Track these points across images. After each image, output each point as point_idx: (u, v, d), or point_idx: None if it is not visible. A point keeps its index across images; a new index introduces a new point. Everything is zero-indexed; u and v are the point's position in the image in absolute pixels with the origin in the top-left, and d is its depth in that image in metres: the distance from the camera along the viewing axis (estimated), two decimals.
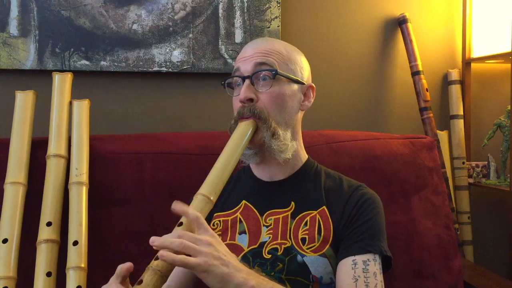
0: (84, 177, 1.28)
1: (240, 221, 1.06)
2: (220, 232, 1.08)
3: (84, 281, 1.17)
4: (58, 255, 1.20)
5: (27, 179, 1.26)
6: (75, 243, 1.19)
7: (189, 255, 0.80)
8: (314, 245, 1.01)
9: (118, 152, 1.38)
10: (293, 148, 1.05)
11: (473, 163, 1.98)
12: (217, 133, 1.52)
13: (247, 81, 1.03)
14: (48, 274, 1.16)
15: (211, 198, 0.92)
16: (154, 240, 0.82)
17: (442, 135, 1.93)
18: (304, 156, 1.13)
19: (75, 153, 1.30)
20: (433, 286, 1.46)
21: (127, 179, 1.35)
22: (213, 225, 1.09)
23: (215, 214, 1.10)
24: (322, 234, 1.01)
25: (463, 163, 1.95)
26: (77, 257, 1.18)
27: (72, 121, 1.35)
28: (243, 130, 1.01)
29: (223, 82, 1.11)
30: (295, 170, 1.10)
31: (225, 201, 1.11)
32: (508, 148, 1.83)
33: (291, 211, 1.04)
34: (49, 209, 1.22)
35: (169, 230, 1.21)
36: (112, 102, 1.72)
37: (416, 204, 1.50)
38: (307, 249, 1.01)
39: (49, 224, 1.20)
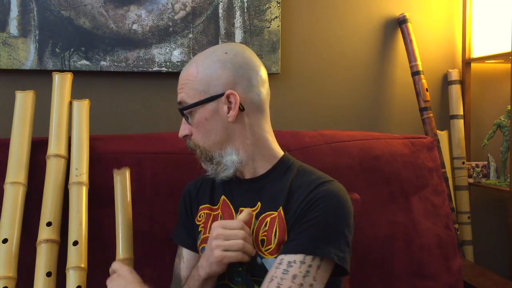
0: (84, 177, 1.28)
1: (221, 217, 1.08)
2: (203, 224, 1.10)
3: (84, 281, 1.17)
4: (58, 255, 1.20)
5: (27, 179, 1.26)
6: (75, 243, 1.19)
7: None
8: (271, 247, 1.00)
9: (118, 152, 1.38)
10: (234, 162, 1.04)
11: (473, 163, 1.98)
12: None
13: (183, 120, 1.07)
14: (48, 274, 1.16)
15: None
16: None
17: (442, 135, 1.94)
18: (274, 157, 1.08)
19: (75, 153, 1.30)
20: (433, 286, 1.46)
21: None
22: (199, 216, 1.12)
23: (201, 207, 1.12)
24: (277, 235, 0.99)
25: (463, 163, 1.95)
26: (77, 257, 1.18)
27: (72, 121, 1.35)
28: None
29: None
30: (261, 172, 1.07)
31: (210, 194, 1.12)
32: (508, 148, 1.83)
33: (256, 211, 1.03)
34: (49, 209, 1.22)
35: (169, 230, 1.22)
36: (112, 102, 1.72)
37: (416, 204, 1.50)
38: (265, 251, 1.00)
39: (49, 224, 1.20)
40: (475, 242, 1.96)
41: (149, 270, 1.31)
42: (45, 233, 1.20)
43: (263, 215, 1.02)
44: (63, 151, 1.30)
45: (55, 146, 1.30)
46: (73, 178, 1.27)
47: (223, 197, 1.09)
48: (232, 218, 1.06)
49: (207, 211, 1.11)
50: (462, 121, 1.96)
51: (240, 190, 1.08)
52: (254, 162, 1.06)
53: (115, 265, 1.08)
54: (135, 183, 1.36)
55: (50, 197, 1.24)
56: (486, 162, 1.96)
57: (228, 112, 1.02)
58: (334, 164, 1.45)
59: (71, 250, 1.19)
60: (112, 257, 1.25)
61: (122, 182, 1.27)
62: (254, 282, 1.01)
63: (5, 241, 1.17)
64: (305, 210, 0.97)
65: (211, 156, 1.04)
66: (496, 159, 1.94)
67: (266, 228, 1.01)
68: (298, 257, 0.94)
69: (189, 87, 1.04)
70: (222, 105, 1.02)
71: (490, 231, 2.01)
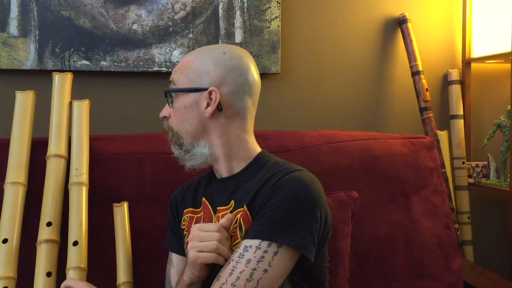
0: (84, 178, 1.28)
1: (203, 219, 1.09)
2: (186, 228, 1.11)
3: (84, 281, 1.17)
4: (58, 255, 1.20)
5: (27, 179, 1.26)
6: (75, 243, 1.19)
7: None
8: (238, 242, 0.99)
9: (118, 152, 1.38)
10: (204, 154, 1.05)
11: (473, 163, 1.98)
12: None
13: (168, 100, 1.10)
14: (48, 274, 1.16)
15: None
16: None
17: (442, 135, 1.93)
18: (249, 156, 1.08)
19: (75, 153, 1.30)
20: (433, 286, 1.46)
21: (127, 179, 1.35)
22: (183, 220, 1.13)
23: (185, 210, 1.13)
24: (243, 230, 0.99)
25: (463, 163, 1.95)
26: (77, 257, 1.19)
27: (72, 121, 1.35)
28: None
29: None
30: (236, 170, 1.07)
31: (193, 197, 1.14)
32: (508, 148, 1.83)
33: (230, 209, 1.04)
34: (49, 209, 1.22)
35: None
36: (112, 102, 1.72)
37: (416, 204, 1.50)
38: (233, 246, 1.00)
39: (49, 224, 1.20)
40: (475, 242, 1.96)
41: (149, 270, 1.31)
42: (45, 233, 1.20)
43: (235, 211, 1.02)
44: (63, 151, 1.30)
45: (55, 146, 1.30)
46: (73, 178, 1.27)
47: (203, 199, 1.10)
48: (211, 219, 1.06)
49: (190, 214, 1.12)
50: (462, 121, 1.96)
51: (217, 190, 1.09)
52: (230, 161, 1.07)
53: (71, 282, 1.06)
54: (135, 183, 1.36)
55: (50, 197, 1.24)
56: (486, 162, 1.96)
57: (206, 108, 1.04)
58: (334, 164, 1.45)
59: (71, 250, 1.19)
60: (112, 257, 1.25)
61: (121, 214, 1.28)
62: None
63: (5, 241, 1.17)
64: (268, 197, 0.98)
65: (181, 142, 1.07)
66: (496, 159, 1.94)
67: (236, 224, 1.01)
68: (254, 242, 0.94)
69: (181, 72, 1.07)
70: (203, 99, 1.04)
71: (490, 231, 2.01)
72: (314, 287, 1.06)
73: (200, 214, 1.10)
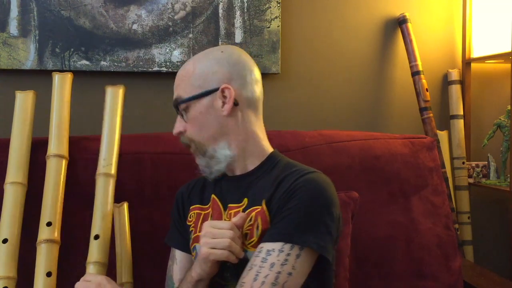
0: (112, 169, 1.27)
1: (211, 216, 1.09)
2: (193, 224, 1.11)
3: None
4: (58, 255, 1.20)
5: (27, 179, 1.26)
6: (96, 237, 1.19)
7: None
8: (253, 240, 1.00)
9: (118, 152, 1.38)
10: (226, 157, 1.06)
11: (473, 163, 1.98)
12: None
13: (178, 116, 1.10)
14: (48, 274, 1.16)
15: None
16: None
17: (442, 135, 1.93)
18: (262, 154, 1.09)
19: (105, 144, 1.30)
20: (433, 286, 1.46)
21: (127, 179, 1.35)
22: (190, 217, 1.13)
23: (191, 207, 1.13)
24: (260, 228, 1.00)
25: (463, 163, 1.95)
26: (97, 251, 1.18)
27: (105, 108, 1.35)
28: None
29: None
30: (250, 168, 1.08)
31: (200, 194, 1.14)
32: (508, 148, 1.83)
33: (243, 206, 1.04)
34: (49, 209, 1.22)
35: (168, 230, 1.22)
36: None
37: (416, 204, 1.50)
38: (248, 244, 1.00)
39: (49, 224, 1.20)
40: (475, 242, 1.96)
41: (149, 270, 1.31)
42: (45, 233, 1.20)
43: (250, 209, 1.03)
44: (63, 151, 1.30)
45: (55, 146, 1.30)
46: (100, 169, 1.26)
47: (213, 196, 1.10)
48: (221, 216, 1.07)
49: (198, 211, 1.12)
50: (462, 121, 1.96)
51: (229, 188, 1.09)
52: (245, 159, 1.08)
53: (89, 277, 1.06)
54: (135, 183, 1.36)
55: (50, 197, 1.24)
56: (486, 162, 1.96)
57: (223, 106, 1.04)
58: (334, 164, 1.45)
59: (92, 244, 1.19)
60: (112, 257, 1.25)
61: (121, 214, 1.28)
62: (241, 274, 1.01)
63: (5, 241, 1.17)
64: (286, 199, 0.98)
65: (205, 150, 1.06)
66: (496, 159, 1.94)
67: (251, 222, 1.01)
68: (277, 246, 0.94)
69: (185, 83, 1.07)
70: (217, 99, 1.04)
71: (490, 231, 2.01)
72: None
73: (208, 211, 1.10)
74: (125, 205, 1.29)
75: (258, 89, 1.09)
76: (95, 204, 1.24)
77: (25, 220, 1.22)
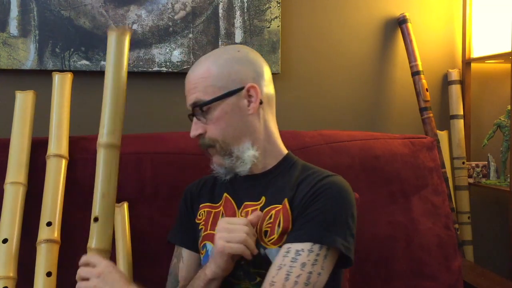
0: (115, 139, 1.22)
1: (222, 214, 1.09)
2: (203, 222, 1.11)
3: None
4: (58, 255, 1.20)
5: (27, 179, 1.26)
6: (95, 219, 1.17)
7: None
8: (273, 237, 1.01)
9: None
10: (251, 157, 1.06)
11: (473, 163, 1.98)
12: None
13: (194, 119, 1.08)
14: (48, 274, 1.16)
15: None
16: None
17: (442, 135, 1.94)
18: (280, 153, 1.11)
19: (106, 112, 1.23)
20: (433, 286, 1.46)
21: (127, 179, 1.35)
22: (199, 215, 1.13)
23: (201, 205, 1.13)
24: (281, 226, 1.01)
25: (463, 163, 1.95)
26: (97, 235, 1.18)
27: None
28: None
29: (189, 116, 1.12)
30: (268, 167, 1.10)
31: (210, 193, 1.14)
32: (508, 148, 1.83)
33: (261, 205, 1.05)
34: (49, 209, 1.22)
35: (169, 230, 1.22)
36: None
37: (416, 204, 1.50)
38: (268, 241, 1.01)
39: (49, 224, 1.20)
40: (475, 242, 1.96)
41: (148, 270, 1.31)
42: (45, 233, 1.20)
43: (268, 208, 1.04)
44: (63, 151, 1.30)
45: (55, 146, 1.30)
46: (101, 138, 1.21)
47: (225, 194, 1.10)
48: (234, 214, 1.07)
49: (208, 209, 1.12)
50: (462, 121, 1.96)
51: (244, 186, 1.09)
52: (265, 158, 1.09)
53: (92, 259, 1.02)
54: (135, 183, 1.36)
55: (50, 197, 1.24)
56: (486, 162, 1.96)
57: (249, 105, 1.05)
58: (334, 164, 1.45)
59: (92, 227, 1.18)
60: (112, 257, 1.25)
61: (121, 214, 1.28)
62: (255, 274, 1.02)
63: (5, 241, 1.17)
64: (311, 200, 0.99)
65: (230, 150, 1.06)
66: (496, 159, 1.94)
67: (271, 220, 1.02)
68: (306, 246, 0.95)
69: (205, 85, 1.05)
70: (242, 99, 1.05)
71: (490, 231, 2.01)
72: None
73: (219, 209, 1.10)
74: (125, 205, 1.29)
75: (271, 85, 1.11)
76: (96, 182, 1.21)
77: (25, 220, 1.22)
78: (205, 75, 1.05)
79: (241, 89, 1.04)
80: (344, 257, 0.99)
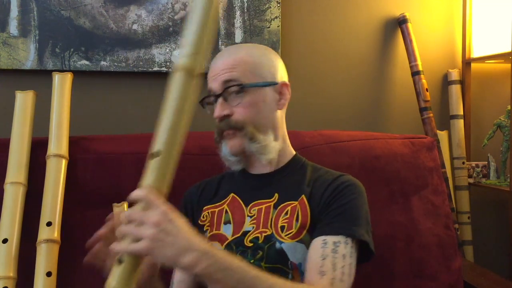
0: (195, 63, 1.02)
1: (226, 212, 1.09)
2: (208, 224, 1.11)
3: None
4: (58, 255, 1.20)
5: (27, 179, 1.26)
6: (157, 154, 0.95)
7: None
8: (292, 232, 1.02)
9: (118, 152, 1.38)
10: (276, 147, 1.09)
11: (473, 163, 1.98)
12: None
13: (220, 99, 1.06)
14: (48, 274, 1.16)
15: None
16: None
17: (442, 135, 1.93)
18: (290, 152, 1.16)
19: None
20: (433, 286, 1.46)
21: (127, 179, 1.35)
22: (203, 217, 1.12)
23: (205, 207, 1.13)
24: (300, 220, 1.03)
25: (463, 163, 1.95)
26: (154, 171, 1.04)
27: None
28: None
29: (200, 102, 1.12)
30: (280, 165, 1.13)
31: (214, 194, 1.15)
32: (508, 148, 1.83)
33: (274, 201, 1.07)
34: (49, 209, 1.22)
35: None
36: (112, 102, 1.72)
37: (416, 204, 1.50)
38: (285, 236, 1.02)
39: (49, 224, 1.20)
40: (475, 242, 1.96)
41: None
42: (45, 233, 1.20)
43: (283, 204, 1.06)
44: (63, 151, 1.30)
45: (55, 146, 1.30)
46: (180, 59, 1.00)
47: (232, 194, 1.11)
48: (242, 212, 1.08)
49: (211, 210, 1.12)
50: (462, 121, 1.96)
51: (254, 185, 1.11)
52: (279, 155, 1.11)
53: (149, 196, 0.84)
54: (135, 183, 1.35)
55: (50, 197, 1.24)
56: (486, 162, 1.96)
57: (279, 101, 1.10)
58: (334, 164, 1.45)
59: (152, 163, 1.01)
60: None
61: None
62: (267, 270, 1.00)
63: (5, 241, 1.17)
64: (334, 196, 1.03)
65: (257, 138, 1.06)
66: (496, 159, 1.94)
67: (287, 216, 1.04)
68: (341, 238, 0.98)
69: (243, 68, 1.06)
70: (274, 93, 1.09)
71: (490, 231, 2.01)
72: None
73: (223, 207, 1.11)
74: (125, 205, 1.29)
75: None
76: None
77: (25, 220, 1.22)
78: (245, 59, 1.07)
79: (276, 83, 1.09)
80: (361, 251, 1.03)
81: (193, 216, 1.15)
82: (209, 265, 0.79)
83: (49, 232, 1.20)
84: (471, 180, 1.96)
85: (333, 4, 1.88)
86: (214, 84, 1.07)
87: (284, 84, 1.11)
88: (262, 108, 1.07)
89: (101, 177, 1.34)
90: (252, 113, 1.06)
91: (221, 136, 1.08)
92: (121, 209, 1.28)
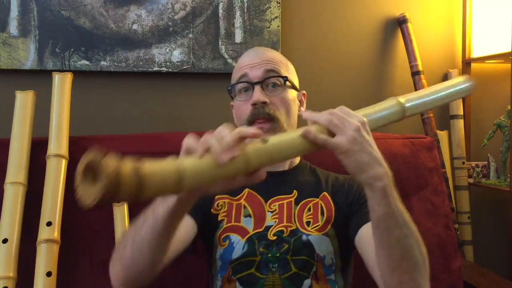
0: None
1: (245, 206, 1.10)
2: (224, 213, 1.10)
3: None
4: (58, 255, 1.20)
5: (27, 179, 1.26)
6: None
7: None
8: (318, 225, 1.06)
9: (118, 152, 1.37)
10: None
11: (473, 163, 1.98)
12: None
13: (258, 86, 1.08)
14: (48, 274, 1.16)
15: None
16: (304, 113, 0.89)
17: (442, 135, 1.93)
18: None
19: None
20: (433, 286, 1.44)
21: None
22: (217, 205, 1.11)
23: (217, 196, 1.12)
24: (325, 215, 1.07)
25: (463, 163, 1.95)
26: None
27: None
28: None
29: (229, 87, 1.14)
30: (293, 165, 1.17)
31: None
32: (508, 148, 1.83)
33: (294, 197, 1.10)
34: (49, 209, 1.22)
35: None
36: (112, 102, 1.72)
37: (416, 204, 1.50)
38: (311, 229, 1.06)
39: (49, 224, 1.20)
40: (475, 242, 1.96)
41: None
42: (45, 233, 1.20)
43: (304, 200, 1.10)
44: (63, 151, 1.30)
45: (55, 146, 1.30)
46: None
47: (247, 189, 1.12)
48: (262, 207, 1.09)
49: (228, 200, 1.11)
50: (462, 121, 1.96)
51: (271, 182, 1.07)
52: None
53: (347, 109, 0.90)
54: None
55: (50, 197, 1.24)
56: (486, 162, 1.96)
57: (299, 107, 1.16)
58: (334, 164, 1.44)
59: None
60: None
61: (121, 214, 1.28)
62: (292, 262, 1.03)
63: (5, 241, 1.17)
64: (359, 192, 1.07)
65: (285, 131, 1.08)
66: (496, 159, 1.94)
67: (311, 212, 1.08)
68: None
69: (284, 65, 1.14)
70: (297, 99, 1.16)
71: (490, 231, 2.01)
72: (348, 282, 1.14)
73: (240, 202, 1.11)
74: (125, 205, 1.29)
75: None
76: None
77: (25, 220, 1.22)
78: (282, 59, 1.15)
79: (299, 90, 1.18)
80: None
81: (202, 204, 1.07)
82: (389, 184, 0.81)
83: (49, 232, 1.20)
84: (471, 180, 1.96)
85: (333, 4, 1.88)
86: (253, 72, 1.09)
87: (304, 94, 1.20)
88: (292, 107, 1.12)
89: None
90: (286, 108, 1.10)
91: (252, 123, 1.08)
92: (121, 209, 1.28)
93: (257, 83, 1.08)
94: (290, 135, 0.80)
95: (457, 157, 1.96)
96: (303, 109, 1.17)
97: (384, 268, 0.85)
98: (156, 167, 0.72)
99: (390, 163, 1.48)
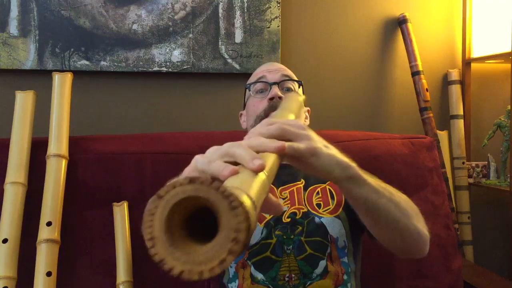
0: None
1: None
2: None
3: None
4: (58, 255, 1.20)
5: (27, 179, 1.26)
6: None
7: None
8: (329, 208, 1.10)
9: (118, 152, 1.38)
10: None
11: (473, 163, 1.98)
12: (217, 133, 1.52)
13: (275, 85, 1.19)
14: (48, 274, 1.16)
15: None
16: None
17: (442, 135, 1.93)
18: None
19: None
20: (433, 286, 1.46)
21: (127, 179, 1.35)
22: None
23: None
24: (336, 198, 1.12)
25: (463, 163, 1.95)
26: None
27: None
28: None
29: (248, 86, 1.24)
30: None
31: None
32: (508, 148, 1.83)
33: (302, 184, 1.15)
34: (49, 209, 1.22)
35: None
36: (112, 102, 1.72)
37: (416, 204, 1.50)
38: (323, 211, 1.10)
39: (49, 224, 1.20)
40: (475, 242, 1.96)
41: (149, 270, 1.31)
42: (45, 233, 1.20)
43: (312, 187, 1.14)
44: (63, 151, 1.30)
45: (55, 146, 1.30)
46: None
47: None
48: (274, 193, 1.13)
49: None
50: (462, 121, 1.96)
51: (279, 173, 1.11)
52: None
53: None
54: (135, 183, 1.36)
55: (50, 197, 1.24)
56: (486, 162, 1.96)
57: (305, 119, 1.25)
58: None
59: None
60: (112, 257, 1.25)
61: (121, 214, 1.28)
62: (306, 244, 1.05)
63: (5, 241, 1.17)
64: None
65: None
66: (496, 159, 1.94)
67: (320, 195, 1.13)
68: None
69: (295, 77, 1.25)
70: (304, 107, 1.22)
71: (490, 231, 2.01)
72: (358, 267, 1.15)
73: None
74: (125, 205, 1.29)
75: None
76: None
77: (25, 220, 1.22)
78: (293, 75, 1.25)
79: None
80: None
81: None
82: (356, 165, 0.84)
83: (49, 232, 1.20)
84: (471, 180, 1.96)
85: (333, 4, 1.88)
86: (271, 75, 1.21)
87: (308, 110, 1.29)
88: (302, 112, 1.19)
89: (101, 177, 1.34)
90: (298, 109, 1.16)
91: (267, 115, 1.12)
92: (121, 209, 1.28)
93: (274, 83, 1.19)
94: (270, 155, 0.68)
95: (457, 157, 1.96)
96: (307, 121, 1.24)
97: (386, 239, 0.94)
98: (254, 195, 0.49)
99: (390, 163, 1.50)
